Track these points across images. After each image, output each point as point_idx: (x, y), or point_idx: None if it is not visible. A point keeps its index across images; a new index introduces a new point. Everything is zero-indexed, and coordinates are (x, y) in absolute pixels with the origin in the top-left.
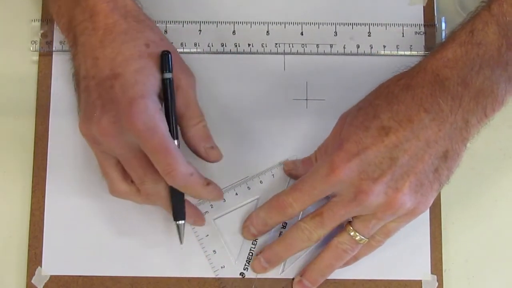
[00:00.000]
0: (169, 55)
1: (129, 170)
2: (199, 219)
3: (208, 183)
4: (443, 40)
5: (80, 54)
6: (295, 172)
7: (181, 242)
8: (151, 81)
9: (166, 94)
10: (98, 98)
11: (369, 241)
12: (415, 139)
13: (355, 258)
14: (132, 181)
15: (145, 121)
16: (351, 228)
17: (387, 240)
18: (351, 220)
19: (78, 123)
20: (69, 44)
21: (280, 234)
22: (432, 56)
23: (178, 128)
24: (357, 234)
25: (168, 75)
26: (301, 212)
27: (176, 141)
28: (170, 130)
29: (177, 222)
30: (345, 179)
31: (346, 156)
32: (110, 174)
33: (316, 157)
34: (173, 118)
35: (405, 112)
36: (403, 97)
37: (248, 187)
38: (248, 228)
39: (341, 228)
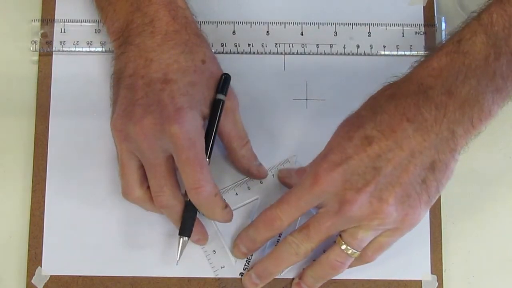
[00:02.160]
0: (229, 79)
1: (151, 176)
2: (204, 238)
3: (226, 206)
4: (436, 46)
5: (131, 53)
6: (288, 180)
7: (178, 259)
8: (200, 97)
9: (214, 114)
10: (143, 97)
11: (360, 255)
12: (398, 149)
13: (350, 267)
14: (148, 188)
15: (188, 131)
16: (342, 241)
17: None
18: (341, 234)
19: (113, 118)
20: (117, 45)
21: None
22: (419, 65)
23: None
24: (348, 248)
25: (222, 97)
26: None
27: (208, 161)
28: (206, 148)
29: (182, 237)
30: (328, 189)
31: (329, 166)
32: (128, 176)
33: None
34: (213, 138)
35: (388, 122)
36: (387, 107)
37: (248, 187)
38: (238, 247)
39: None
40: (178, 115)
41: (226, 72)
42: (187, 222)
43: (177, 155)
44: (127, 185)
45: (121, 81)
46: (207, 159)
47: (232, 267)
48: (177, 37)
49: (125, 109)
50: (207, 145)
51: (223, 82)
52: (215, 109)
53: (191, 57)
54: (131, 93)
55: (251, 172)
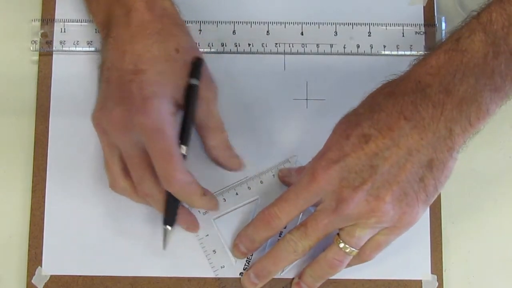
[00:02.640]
0: (201, 63)
1: (130, 168)
2: (193, 226)
3: (205, 193)
4: (435, 44)
5: (110, 46)
6: (288, 179)
7: (163, 247)
8: (171, 86)
9: (188, 100)
10: (116, 90)
11: (359, 253)
12: (395, 147)
13: (349, 265)
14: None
15: (155, 121)
16: (340, 240)
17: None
18: (339, 232)
19: (92, 112)
20: (102, 37)
21: None
22: (418, 63)
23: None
24: (346, 246)
25: (194, 81)
26: None
27: (185, 148)
28: (183, 136)
29: (165, 226)
30: (326, 186)
31: (327, 164)
32: (112, 168)
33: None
34: (189, 124)
35: (385, 120)
36: (385, 105)
37: (248, 187)
38: (237, 247)
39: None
40: (145, 106)
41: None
42: (170, 211)
43: (147, 146)
44: (112, 177)
45: (102, 74)
46: (183, 147)
47: (232, 267)
48: (150, 27)
49: (101, 102)
50: (183, 128)
51: (194, 66)
52: (188, 95)
53: (163, 46)
54: (107, 86)
55: (220, 163)
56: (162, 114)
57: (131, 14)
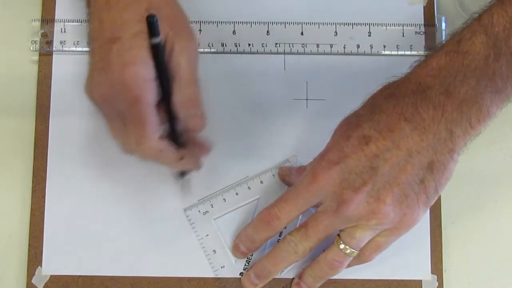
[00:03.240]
0: (154, 19)
1: (117, 137)
2: (193, 167)
3: (182, 157)
4: (436, 46)
5: (90, 16)
6: (288, 178)
7: (184, 195)
8: (147, 46)
9: (155, 60)
10: (99, 60)
11: (359, 254)
12: (395, 149)
13: (349, 266)
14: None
15: (132, 89)
16: (340, 241)
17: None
18: (339, 233)
19: (84, 86)
20: (85, 5)
21: None
22: (419, 65)
23: None
24: (347, 247)
25: (155, 40)
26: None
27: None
28: (165, 97)
29: (179, 177)
30: (326, 187)
31: (327, 165)
32: (119, 132)
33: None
34: (165, 83)
35: (385, 121)
36: (385, 106)
37: (248, 187)
38: (237, 247)
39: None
40: (123, 74)
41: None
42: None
43: (126, 114)
44: (123, 143)
45: (88, 46)
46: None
47: (232, 267)
48: None
49: (89, 75)
50: (163, 91)
51: (149, 24)
52: (154, 55)
53: (134, 7)
54: (92, 58)
55: (183, 123)
56: (138, 81)
57: None
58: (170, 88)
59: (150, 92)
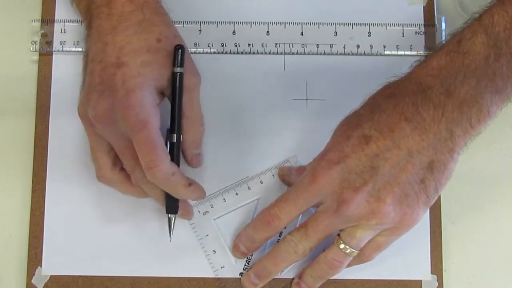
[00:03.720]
0: (183, 50)
1: (122, 158)
2: (187, 213)
3: (190, 183)
4: (436, 46)
5: (92, 37)
6: (288, 178)
7: (170, 236)
8: (154, 76)
9: (174, 89)
10: (99, 83)
11: (359, 254)
12: (396, 148)
13: (349, 266)
14: (120, 169)
15: (138, 113)
16: (340, 241)
17: (378, 255)
18: (340, 233)
19: (78, 104)
20: (85, 26)
21: None
22: (419, 64)
23: None
24: (347, 247)
25: (179, 70)
26: None
27: (175, 136)
28: (172, 125)
29: (169, 215)
30: (326, 187)
31: (327, 165)
32: (100, 159)
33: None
34: (179, 113)
35: (386, 121)
36: (386, 106)
37: (248, 187)
38: (237, 246)
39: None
40: (127, 98)
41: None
42: (171, 199)
43: (132, 138)
44: (99, 168)
45: (86, 66)
46: (173, 136)
47: (232, 267)
48: (131, 17)
49: (86, 95)
50: (172, 117)
51: (176, 54)
52: (174, 84)
53: (144, 36)
54: (91, 78)
55: (185, 157)
56: (145, 106)
57: (111, 4)
58: (178, 122)
59: (156, 117)
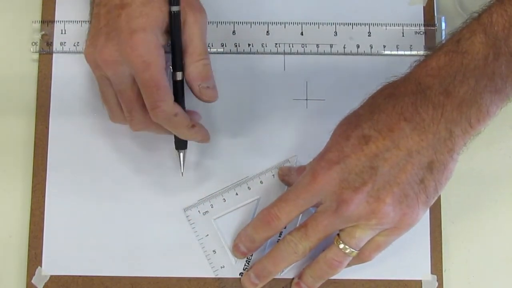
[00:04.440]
0: None
1: (121, 101)
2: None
3: (194, 125)
4: (436, 45)
5: None
6: (287, 178)
7: (181, 171)
8: (157, 15)
9: (171, 27)
10: (105, 25)
11: (358, 254)
12: (395, 149)
13: (348, 266)
14: None
15: (142, 54)
16: (340, 240)
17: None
18: (339, 233)
19: (84, 47)
20: None
21: None
22: (418, 64)
23: None
24: (346, 246)
25: (174, 8)
26: None
27: (180, 73)
28: (174, 63)
29: (179, 151)
30: (326, 187)
31: (327, 165)
32: (109, 101)
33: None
34: (178, 51)
35: (385, 121)
36: (385, 106)
37: (248, 187)
38: (237, 246)
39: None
40: (132, 39)
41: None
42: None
43: (136, 79)
44: (111, 110)
45: (92, 10)
46: (177, 74)
47: (232, 267)
48: None
49: (92, 38)
50: (173, 56)
51: None
52: (171, 22)
53: None
54: (97, 21)
55: (194, 93)
56: (149, 46)
57: None
58: (179, 60)
59: (160, 57)
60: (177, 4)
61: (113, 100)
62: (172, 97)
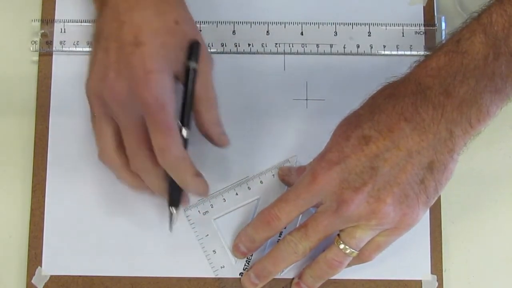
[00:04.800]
0: (199, 46)
1: (126, 140)
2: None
3: (198, 174)
4: (436, 46)
5: (106, 15)
6: (287, 178)
7: (170, 230)
8: (172, 59)
9: (187, 82)
10: (116, 61)
11: (358, 254)
12: (395, 149)
13: (348, 266)
14: (123, 154)
15: (157, 95)
16: (340, 241)
17: (378, 256)
18: (339, 233)
19: (87, 81)
20: (96, 6)
21: None
22: (418, 65)
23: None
24: (347, 247)
25: (193, 65)
26: None
27: (185, 130)
28: (183, 118)
29: (171, 208)
30: (326, 187)
31: (327, 165)
32: (105, 139)
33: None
34: (189, 106)
35: (385, 122)
36: (385, 107)
37: (248, 187)
38: (237, 246)
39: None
40: (147, 79)
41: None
42: (174, 191)
43: (147, 118)
44: (103, 147)
45: (98, 43)
46: (184, 130)
47: (232, 267)
48: None
49: (98, 73)
50: (183, 111)
51: (192, 49)
52: (188, 75)
53: (163, 18)
54: (106, 56)
55: (211, 138)
56: (163, 89)
57: None
58: (188, 109)
59: (173, 101)
60: (197, 61)
61: (109, 139)
62: (181, 142)
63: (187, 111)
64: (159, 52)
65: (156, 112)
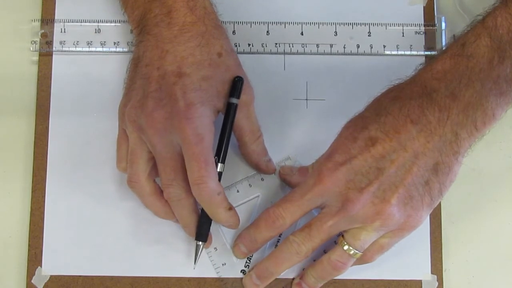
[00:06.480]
0: (241, 82)
1: (161, 169)
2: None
3: (231, 208)
4: (441, 49)
5: (148, 43)
6: (289, 178)
7: (194, 263)
8: (213, 92)
9: (227, 117)
10: (156, 90)
11: (362, 255)
12: (402, 150)
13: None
14: (154, 182)
15: (197, 127)
16: (344, 242)
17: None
18: (343, 234)
19: (127, 107)
20: (136, 33)
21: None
22: (424, 68)
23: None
24: (351, 248)
25: (235, 101)
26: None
27: (222, 166)
28: (218, 153)
29: (198, 242)
30: (332, 188)
31: (333, 166)
32: (138, 165)
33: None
34: (227, 142)
35: (392, 123)
36: (391, 109)
37: (249, 185)
38: (238, 247)
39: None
40: (188, 111)
41: None
42: (203, 226)
43: (184, 150)
44: (135, 173)
45: (137, 69)
46: (220, 165)
47: (233, 265)
48: (194, 29)
49: (139, 100)
50: (220, 146)
51: (235, 85)
52: (228, 111)
53: (206, 50)
54: (146, 84)
55: (260, 167)
56: (205, 121)
57: (172, 14)
58: (226, 145)
59: (212, 134)
60: (238, 97)
61: (143, 166)
62: (217, 175)
63: (225, 146)
64: (201, 84)
65: (195, 144)
